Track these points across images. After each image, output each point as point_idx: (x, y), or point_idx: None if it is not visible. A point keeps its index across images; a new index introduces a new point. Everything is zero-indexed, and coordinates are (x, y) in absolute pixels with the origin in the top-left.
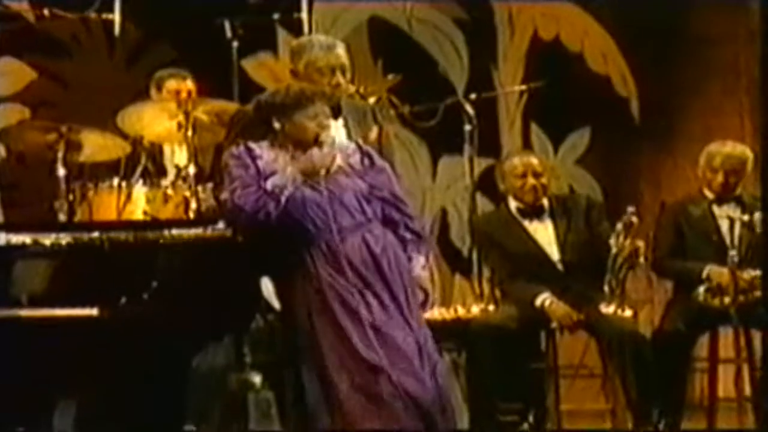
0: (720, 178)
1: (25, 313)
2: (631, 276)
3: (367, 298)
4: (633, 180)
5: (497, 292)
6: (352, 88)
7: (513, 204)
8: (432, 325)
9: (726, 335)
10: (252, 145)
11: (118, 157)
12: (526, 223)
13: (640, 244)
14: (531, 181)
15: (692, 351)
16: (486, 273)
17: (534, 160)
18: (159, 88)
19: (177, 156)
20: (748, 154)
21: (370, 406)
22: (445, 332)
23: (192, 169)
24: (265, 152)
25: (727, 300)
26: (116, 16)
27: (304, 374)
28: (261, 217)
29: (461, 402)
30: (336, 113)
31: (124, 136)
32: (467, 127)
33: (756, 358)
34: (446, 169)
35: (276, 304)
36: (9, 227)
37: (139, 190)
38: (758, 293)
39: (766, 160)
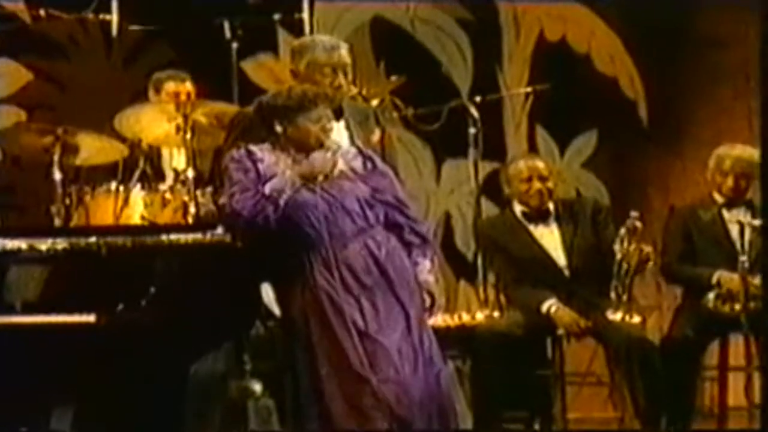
0: (730, 181)
1: (20, 319)
2: (639, 282)
3: (363, 307)
4: (641, 184)
5: (502, 298)
6: (354, 90)
7: (518, 208)
8: (436, 331)
9: (736, 342)
10: (253, 147)
11: (116, 161)
12: (531, 227)
13: (647, 249)
14: (536, 185)
15: (702, 358)
16: (491, 279)
17: (540, 164)
18: (157, 90)
19: (175, 159)
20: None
21: (352, 415)
22: (449, 339)
23: (191, 173)
24: (266, 155)
25: (737, 306)
26: (114, 17)
27: (299, 378)
28: (260, 221)
29: (465, 410)
30: (338, 115)
31: (122, 138)
32: (471, 130)
33: None
34: (450, 173)
35: (276, 310)
36: (4, 232)
37: (137, 194)
38: None
39: (766, 162)
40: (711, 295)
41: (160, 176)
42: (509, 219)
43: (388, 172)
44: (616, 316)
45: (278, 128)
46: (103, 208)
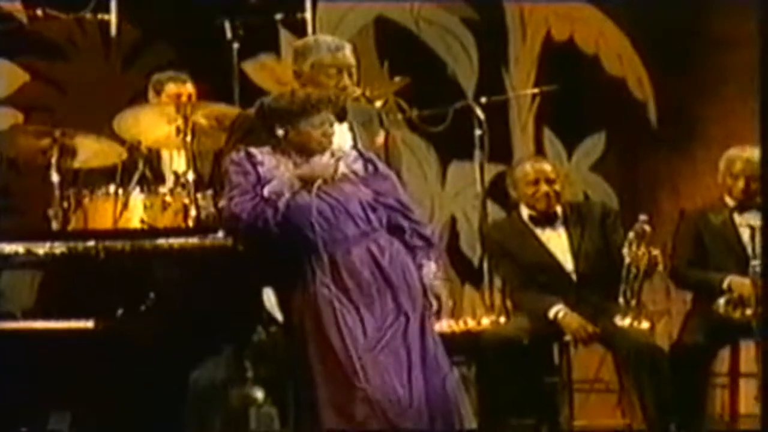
0: (741, 184)
1: (17, 325)
2: (648, 287)
3: (362, 315)
4: (650, 187)
5: (508, 304)
6: (357, 92)
7: (525, 212)
8: (440, 337)
9: (747, 348)
10: (253, 150)
11: (114, 163)
12: (538, 231)
13: (656, 252)
14: (544, 188)
15: (712, 365)
16: (497, 283)
17: (547, 167)
18: (158, 92)
19: (175, 162)
20: None
21: (341, 424)
22: (454, 345)
23: (191, 176)
24: (266, 158)
25: (748, 312)
26: (112, 17)
27: (297, 381)
28: (259, 225)
29: (471, 417)
30: (341, 117)
31: (121, 141)
32: (477, 132)
33: None
34: (456, 176)
35: (278, 315)
36: (1, 236)
37: (136, 198)
38: None
39: (766, 162)
40: (722, 301)
41: (160, 179)
42: (516, 223)
43: (390, 175)
44: (624, 321)
45: (279, 132)
46: (101, 212)
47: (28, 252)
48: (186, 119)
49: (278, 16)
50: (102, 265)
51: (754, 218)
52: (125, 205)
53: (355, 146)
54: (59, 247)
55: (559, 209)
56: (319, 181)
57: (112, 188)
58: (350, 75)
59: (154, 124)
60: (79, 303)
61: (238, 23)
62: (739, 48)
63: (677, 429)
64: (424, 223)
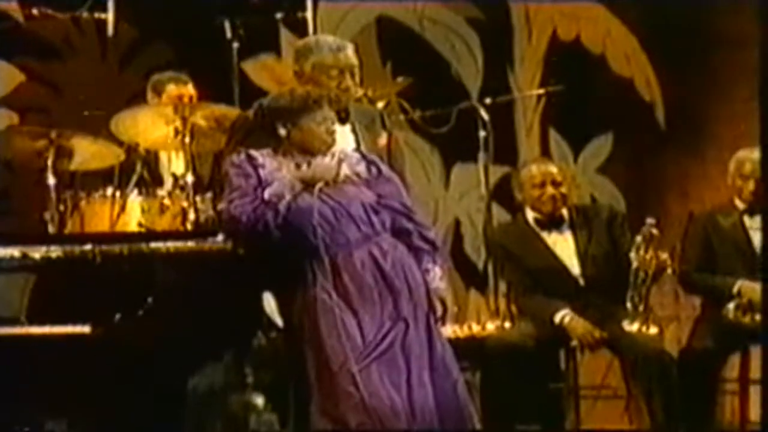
0: (751, 186)
1: (13, 330)
2: (656, 291)
3: (362, 319)
4: (658, 189)
5: (514, 308)
6: (359, 92)
7: (530, 215)
8: None
9: (758, 354)
10: (254, 153)
11: (112, 165)
12: (544, 234)
13: (664, 256)
14: (550, 190)
15: (722, 371)
16: (502, 288)
17: (553, 169)
18: (158, 93)
19: (174, 164)
20: None
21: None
22: (458, 350)
23: (190, 178)
24: (267, 160)
25: (759, 317)
26: (109, 16)
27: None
28: (260, 228)
29: (476, 423)
30: (344, 119)
31: (118, 142)
32: (482, 133)
33: None
34: (460, 178)
35: (279, 320)
36: None
37: (134, 200)
38: None
39: (766, 162)
40: (731, 306)
41: (158, 181)
42: (521, 226)
43: (394, 177)
44: (632, 326)
45: (281, 131)
46: (98, 215)
47: (24, 256)
48: (185, 120)
49: (279, 16)
50: (99, 270)
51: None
52: (123, 208)
53: (357, 148)
54: (55, 251)
55: (565, 212)
56: (321, 183)
57: (109, 191)
58: (352, 76)
59: (153, 125)
60: (75, 308)
61: (238, 23)
62: (749, 47)
63: None
64: (428, 226)
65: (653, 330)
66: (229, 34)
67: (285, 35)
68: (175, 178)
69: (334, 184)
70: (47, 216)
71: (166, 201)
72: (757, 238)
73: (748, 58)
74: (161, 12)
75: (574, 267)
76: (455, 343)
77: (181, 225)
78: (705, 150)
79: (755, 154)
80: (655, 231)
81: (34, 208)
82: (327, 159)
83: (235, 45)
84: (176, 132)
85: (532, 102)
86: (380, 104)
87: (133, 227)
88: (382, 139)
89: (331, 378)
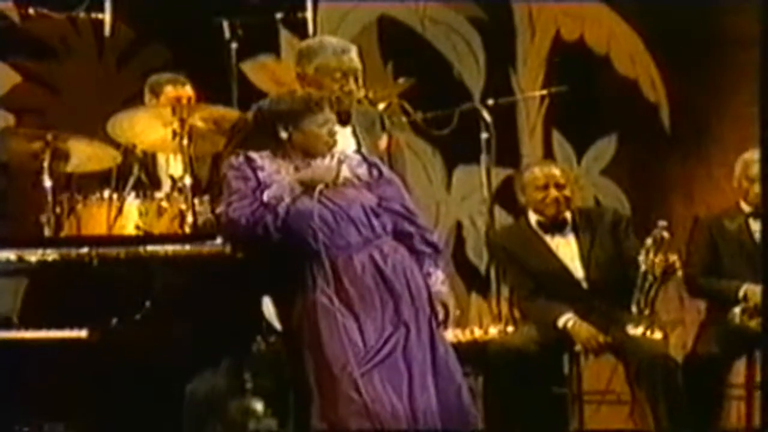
0: (757, 188)
1: (9, 334)
2: (661, 295)
3: (363, 323)
4: (663, 192)
5: (516, 313)
6: (360, 94)
7: (533, 217)
8: None
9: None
10: (253, 155)
11: (109, 167)
12: (547, 238)
13: (674, 258)
14: (553, 193)
15: (727, 376)
16: (504, 292)
17: (556, 171)
18: (156, 94)
19: (172, 166)
20: None
21: None
22: (460, 355)
23: (188, 181)
24: (267, 163)
25: None
26: (107, 16)
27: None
28: (259, 230)
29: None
30: (345, 121)
31: (115, 144)
32: (484, 135)
33: None
34: (462, 180)
35: (278, 325)
36: None
37: (131, 203)
38: None
39: (766, 162)
40: (737, 310)
41: (156, 184)
42: (524, 229)
43: (395, 180)
44: (636, 330)
45: (283, 134)
46: (95, 218)
47: (20, 259)
48: (183, 122)
49: (278, 16)
50: (96, 273)
51: None
52: (120, 211)
53: (358, 150)
54: (52, 254)
55: (568, 215)
56: (321, 186)
57: (106, 193)
58: (356, 79)
59: (150, 127)
60: (72, 312)
61: (237, 23)
62: (755, 47)
63: None
64: (430, 229)
65: (658, 334)
66: (227, 35)
67: (284, 36)
68: (173, 180)
69: (335, 187)
70: (43, 219)
71: (164, 204)
72: None
73: (754, 59)
74: (159, 12)
75: (578, 270)
76: (457, 347)
77: (179, 228)
78: (710, 152)
79: None
80: (666, 234)
81: (30, 210)
82: (327, 161)
83: (234, 45)
84: (174, 134)
85: (535, 103)
86: (381, 106)
87: (130, 230)
88: (383, 141)
89: (332, 383)
